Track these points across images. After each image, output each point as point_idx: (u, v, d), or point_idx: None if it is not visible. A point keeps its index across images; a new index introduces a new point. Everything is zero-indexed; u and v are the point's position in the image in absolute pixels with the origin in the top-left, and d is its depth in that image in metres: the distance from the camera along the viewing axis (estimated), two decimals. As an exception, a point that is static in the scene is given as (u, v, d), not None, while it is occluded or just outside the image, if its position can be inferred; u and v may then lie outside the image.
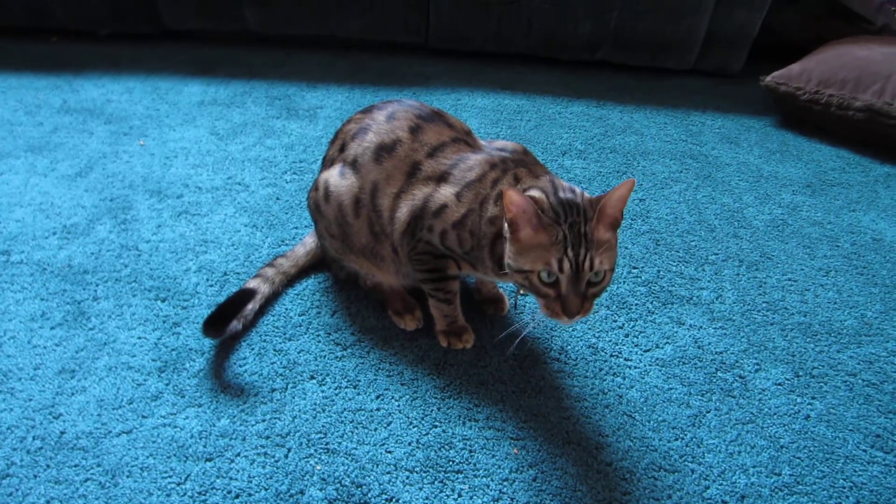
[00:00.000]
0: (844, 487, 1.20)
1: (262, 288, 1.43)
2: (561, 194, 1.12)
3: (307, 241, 1.55)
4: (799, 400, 1.36)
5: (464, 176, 1.24)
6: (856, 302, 1.61)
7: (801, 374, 1.42)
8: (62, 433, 1.18)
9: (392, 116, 1.31)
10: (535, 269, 1.09)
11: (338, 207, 1.33)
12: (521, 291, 1.28)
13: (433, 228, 1.25)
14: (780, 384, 1.39)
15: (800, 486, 1.20)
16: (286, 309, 1.45)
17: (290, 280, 1.51)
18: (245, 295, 1.39)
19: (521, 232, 1.09)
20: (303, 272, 1.54)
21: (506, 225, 1.12)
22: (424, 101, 2.30)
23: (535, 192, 1.13)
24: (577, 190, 1.15)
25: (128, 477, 1.13)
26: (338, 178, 1.33)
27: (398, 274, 1.40)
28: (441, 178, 1.25)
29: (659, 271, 1.65)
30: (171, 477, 1.14)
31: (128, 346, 1.35)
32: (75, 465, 1.14)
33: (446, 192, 1.23)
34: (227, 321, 1.34)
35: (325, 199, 1.35)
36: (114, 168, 1.83)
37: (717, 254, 1.72)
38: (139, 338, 1.37)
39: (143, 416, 1.23)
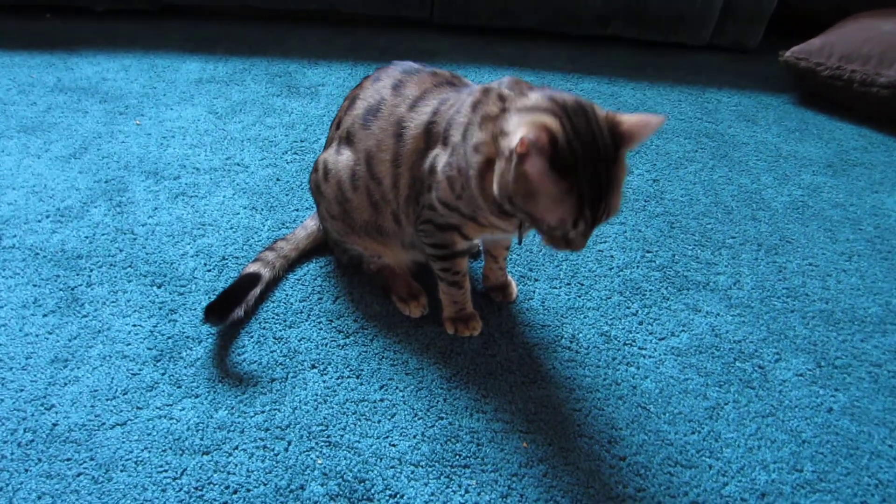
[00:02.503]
0: (870, 485, 1.15)
1: (263, 272, 1.38)
2: (576, 122, 0.96)
3: (308, 224, 1.49)
4: (821, 392, 1.31)
5: (445, 116, 1.14)
6: (880, 288, 1.55)
7: (823, 364, 1.36)
8: (54, 425, 1.14)
9: (377, 79, 1.26)
10: (543, 219, 0.99)
11: (336, 185, 1.28)
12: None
13: (432, 187, 1.16)
14: (801, 375, 1.33)
15: (823, 484, 1.15)
16: (287, 295, 1.40)
17: (292, 264, 1.46)
18: (248, 280, 1.33)
19: (528, 164, 0.94)
20: (304, 256, 1.48)
21: (504, 149, 0.99)
22: (430, 79, 2.23)
23: (544, 118, 0.96)
24: (587, 105, 0.99)
25: (122, 471, 1.09)
26: (334, 156, 1.29)
27: (403, 246, 1.33)
28: (427, 130, 1.16)
29: (674, 255, 1.59)
30: (166, 471, 1.09)
31: (122, 334, 1.30)
32: (67, 459, 1.09)
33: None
34: (230, 309, 1.29)
35: (325, 179, 1.30)
36: (109, 148, 1.77)
37: (734, 237, 1.66)
38: (134, 325, 1.32)
39: (138, 408, 1.18)
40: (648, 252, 1.59)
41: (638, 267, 1.55)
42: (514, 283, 1.46)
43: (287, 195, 1.66)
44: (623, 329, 1.39)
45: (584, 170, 0.94)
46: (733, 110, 2.24)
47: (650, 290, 1.49)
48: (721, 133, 2.10)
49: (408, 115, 1.19)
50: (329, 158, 1.30)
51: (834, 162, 2.01)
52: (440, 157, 1.14)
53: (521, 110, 1.01)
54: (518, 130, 0.96)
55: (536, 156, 0.92)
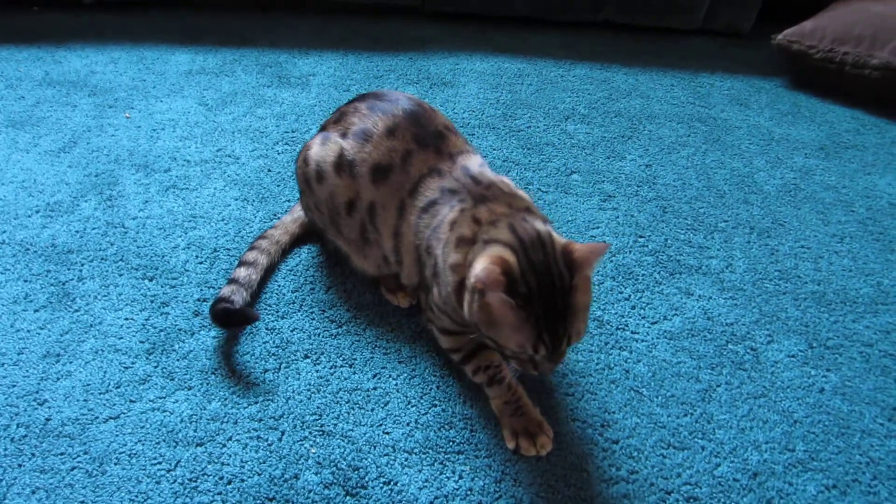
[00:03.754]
0: (861, 463, 1.16)
1: (260, 259, 1.38)
2: (532, 255, 1.01)
3: (296, 210, 1.49)
4: (813, 372, 1.31)
5: (431, 224, 1.17)
6: (872, 269, 1.55)
7: (815, 345, 1.36)
8: (47, 420, 1.14)
9: (391, 132, 1.24)
10: (506, 346, 1.03)
11: (330, 197, 1.28)
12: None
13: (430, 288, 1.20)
14: (793, 356, 1.34)
15: (814, 462, 1.16)
16: (279, 286, 1.40)
17: (286, 250, 1.45)
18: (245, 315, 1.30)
19: (487, 297, 1.00)
20: (297, 241, 1.48)
21: (469, 279, 1.03)
22: (421, 67, 2.23)
23: (502, 252, 1.02)
24: (545, 235, 1.04)
25: (116, 464, 1.09)
26: (332, 170, 1.26)
27: (379, 268, 1.34)
28: (417, 232, 1.20)
29: (666, 240, 1.59)
30: (160, 463, 1.10)
31: (114, 328, 1.29)
32: (61, 453, 1.09)
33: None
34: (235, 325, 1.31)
35: (318, 181, 1.28)
36: (99, 142, 1.77)
37: (726, 221, 1.66)
38: (126, 319, 1.31)
39: (131, 401, 1.18)
40: (641, 237, 1.59)
41: (630, 252, 1.55)
42: (548, 429, 1.16)
43: (278, 186, 1.65)
44: (615, 314, 1.39)
45: (539, 299, 0.99)
46: (726, 94, 2.23)
47: (642, 275, 1.49)
48: (713, 117, 2.10)
49: (407, 200, 1.21)
50: (325, 163, 1.27)
51: (826, 144, 2.00)
52: (427, 267, 1.18)
53: (487, 242, 1.05)
54: (478, 262, 1.01)
55: (492, 290, 0.97)
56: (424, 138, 1.23)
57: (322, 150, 1.28)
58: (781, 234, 1.63)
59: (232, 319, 1.27)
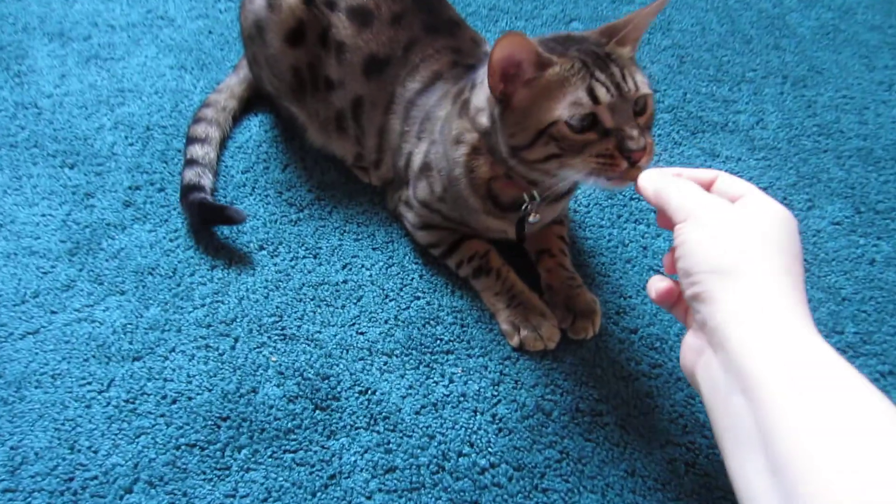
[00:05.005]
0: (921, 342, 0.98)
1: (212, 133, 1.16)
2: (549, 34, 0.83)
3: (241, 68, 1.24)
4: (861, 241, 1.11)
5: (425, 105, 0.99)
6: (924, 118, 1.32)
7: (862, 209, 1.16)
8: (-49, 338, 0.94)
9: (397, 18, 1.01)
10: (555, 119, 0.75)
11: (294, 60, 1.06)
12: (534, 214, 0.92)
13: (408, 183, 1.02)
14: (837, 223, 1.14)
15: (867, 346, 0.98)
16: (226, 166, 1.17)
17: (236, 117, 1.22)
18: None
19: (515, 96, 0.78)
20: (247, 107, 1.24)
21: (480, 122, 0.86)
22: None
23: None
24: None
25: (36, 388, 0.90)
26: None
27: (346, 156, 1.15)
28: (406, 112, 1.01)
29: (685, 94, 1.34)
30: (90, 383, 0.91)
31: (29, 227, 1.08)
32: (-31, 377, 0.91)
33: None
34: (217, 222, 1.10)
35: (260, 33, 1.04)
36: (2, 9, 1.48)
37: (755, 69, 1.41)
38: (43, 215, 1.09)
39: (53, 312, 0.98)
40: (655, 91, 1.34)
41: (643, 110, 1.31)
42: (591, 298, 0.97)
43: (222, 50, 1.39)
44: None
45: (569, 49, 0.78)
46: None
47: (659, 135, 1.26)
48: (732, -47, 1.79)
49: (399, 90, 1.01)
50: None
51: (865, -22, 1.72)
52: (416, 155, 0.97)
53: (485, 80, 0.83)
54: (483, 90, 0.83)
55: (514, 55, 0.75)
56: (436, 26, 1.01)
57: None
58: (819, 83, 1.39)
59: (212, 216, 1.06)
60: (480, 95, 0.86)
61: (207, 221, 1.07)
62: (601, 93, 0.73)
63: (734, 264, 0.53)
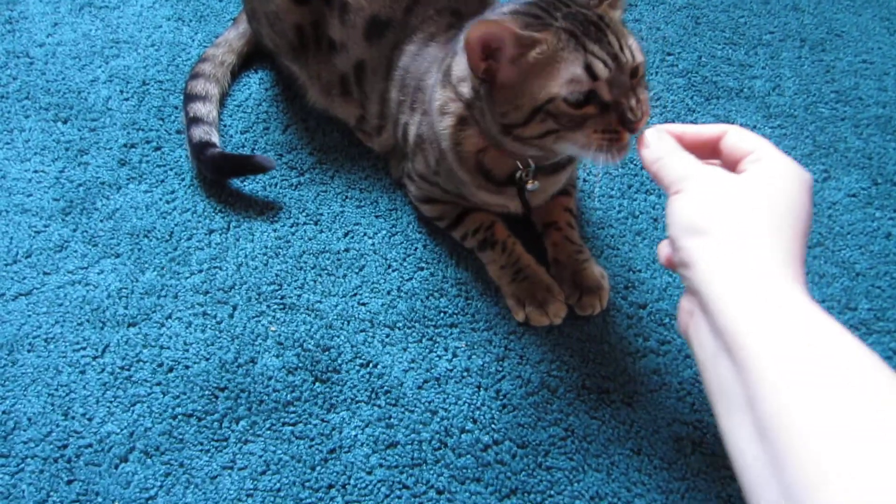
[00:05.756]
0: (935, 321, 0.96)
1: (211, 90, 1.11)
2: (520, 4, 0.76)
3: (240, 20, 1.19)
4: (878, 214, 1.08)
5: (416, 72, 0.93)
6: (947, 87, 1.28)
7: (880, 181, 1.13)
8: (-59, 299, 0.92)
9: None
10: (553, 96, 0.71)
11: (286, 5, 1.00)
12: (532, 181, 0.88)
13: (407, 156, 0.98)
14: (854, 195, 1.10)
15: (881, 323, 0.96)
16: (224, 126, 1.12)
17: (234, 73, 1.17)
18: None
19: (500, 74, 0.74)
20: (247, 62, 1.19)
21: (463, 91, 0.81)
22: None
23: (488, 14, 0.78)
24: None
25: (29, 351, 0.88)
26: None
27: (349, 119, 1.10)
28: (402, 81, 0.96)
29: (700, 57, 1.29)
30: (84, 349, 0.89)
31: (21, 183, 1.04)
32: (-40, 340, 0.88)
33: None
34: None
35: None
36: (-8, -50, 1.41)
37: (772, 32, 1.36)
38: (36, 171, 1.06)
39: (46, 273, 0.95)
40: (669, 55, 1.30)
41: (657, 73, 1.26)
42: (599, 273, 0.95)
43: (220, 1, 1.32)
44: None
45: (553, 17, 0.72)
46: None
47: (672, 101, 1.21)
48: None
49: (396, 55, 0.96)
50: None
51: (890, -64, 1.65)
52: (410, 126, 0.92)
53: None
54: (460, 50, 0.78)
55: (493, 34, 0.70)
56: None
57: None
58: (839, 47, 1.34)
59: (236, 167, 1.04)
60: (461, 64, 0.80)
61: (229, 174, 1.04)
62: (599, 68, 0.70)
63: (709, 223, 0.52)
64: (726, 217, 0.51)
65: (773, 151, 0.56)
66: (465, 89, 0.81)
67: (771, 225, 0.50)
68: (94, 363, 0.88)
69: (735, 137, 0.59)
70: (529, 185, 0.87)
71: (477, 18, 0.75)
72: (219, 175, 1.04)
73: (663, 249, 0.63)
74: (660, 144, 0.60)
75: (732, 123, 1.15)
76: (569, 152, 0.78)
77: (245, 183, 1.05)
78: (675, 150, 0.60)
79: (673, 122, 1.15)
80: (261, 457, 0.82)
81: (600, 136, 0.72)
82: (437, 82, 0.87)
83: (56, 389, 0.86)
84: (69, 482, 0.79)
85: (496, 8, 0.85)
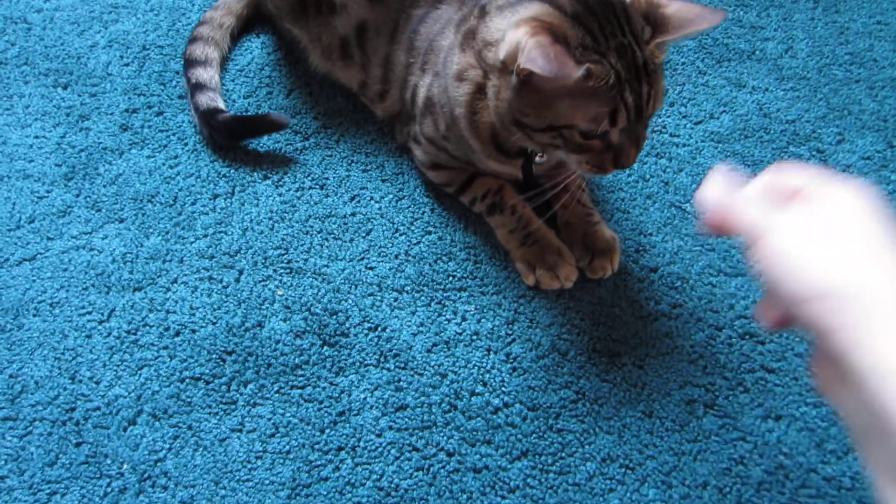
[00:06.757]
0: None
1: (211, 54, 1.09)
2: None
3: None
4: (893, 177, 1.07)
5: (428, 33, 0.91)
6: (963, 48, 1.25)
7: (895, 143, 1.11)
8: (-56, 265, 0.91)
9: None
10: (572, 124, 0.73)
11: None
12: (540, 154, 0.88)
13: (415, 118, 0.95)
14: (868, 158, 1.09)
15: (894, 286, 0.94)
16: (227, 90, 1.10)
17: (234, 35, 1.15)
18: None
19: (538, 80, 0.71)
20: (247, 25, 1.17)
21: (493, 63, 0.76)
22: None
23: (534, 7, 0.72)
24: None
25: (35, 316, 0.88)
26: None
27: (351, 84, 1.08)
28: (409, 43, 0.94)
29: (711, 19, 1.27)
30: (90, 313, 0.88)
31: (22, 149, 1.03)
32: (-36, 305, 0.88)
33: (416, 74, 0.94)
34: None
35: None
36: (-13, -87, 1.38)
37: (785, -7, 1.33)
38: (37, 137, 1.04)
39: (49, 238, 0.94)
40: (679, 17, 1.27)
41: (667, 36, 1.24)
42: (610, 235, 0.94)
43: (221, -36, 1.30)
44: (650, 113, 1.12)
45: (607, 44, 0.70)
46: None
47: (682, 64, 1.19)
48: None
49: (402, 17, 0.94)
50: None
51: None
52: (420, 88, 0.92)
53: (503, 7, 0.76)
54: (510, 34, 0.71)
55: (553, 68, 0.66)
56: None
57: None
58: (853, 8, 1.31)
59: (251, 128, 1.03)
60: (492, 26, 0.77)
61: (244, 136, 1.03)
62: (621, 118, 0.72)
63: (831, 281, 0.44)
64: (845, 269, 0.44)
65: (822, 182, 0.49)
66: (492, 55, 0.76)
67: (888, 265, 0.44)
68: (100, 327, 0.87)
69: (780, 179, 0.52)
70: (538, 158, 0.87)
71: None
72: (233, 138, 1.02)
73: (767, 312, 0.52)
74: (722, 192, 0.53)
75: (744, 86, 1.14)
76: (560, 158, 0.82)
77: (249, 147, 1.04)
78: (747, 196, 0.52)
79: (684, 86, 1.14)
80: (269, 419, 0.81)
81: (590, 167, 0.77)
82: (454, 45, 0.84)
83: (62, 353, 0.85)
84: (77, 444, 0.79)
85: None
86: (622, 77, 0.70)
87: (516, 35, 0.69)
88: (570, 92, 0.71)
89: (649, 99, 0.72)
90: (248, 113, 1.08)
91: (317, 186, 1.01)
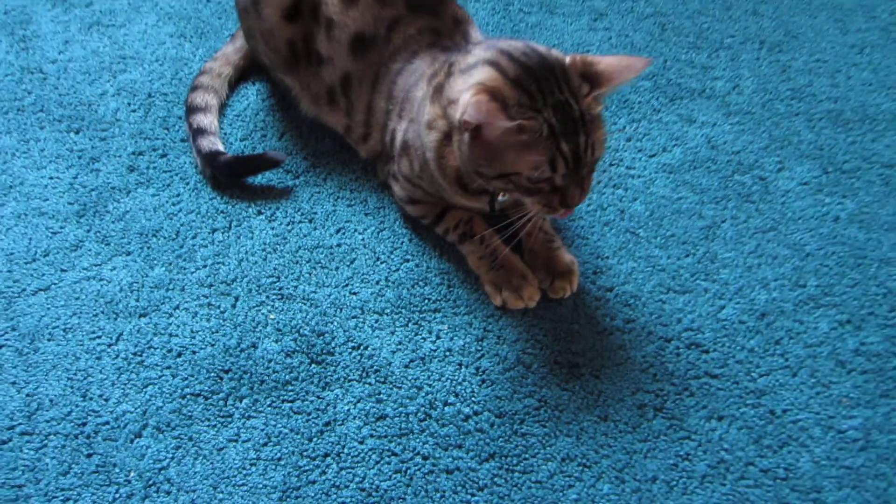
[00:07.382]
0: (878, 295, 1.05)
1: (210, 101, 1.20)
2: (525, 61, 0.86)
3: (237, 36, 1.28)
4: (827, 200, 1.17)
5: (405, 84, 1.03)
6: (894, 82, 1.37)
7: (829, 169, 1.22)
8: (-32, 296, 1.01)
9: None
10: (518, 172, 0.86)
11: (279, 23, 1.09)
12: (501, 195, 0.99)
13: (394, 159, 1.06)
14: (805, 183, 1.20)
15: (827, 298, 1.05)
16: (224, 134, 1.22)
17: (232, 84, 1.27)
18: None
19: (486, 132, 0.85)
20: (243, 75, 1.29)
21: (454, 120, 0.89)
22: None
23: (485, 74, 0.86)
24: (539, 46, 0.88)
25: (49, 340, 0.97)
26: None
27: (336, 127, 1.18)
28: (389, 93, 1.05)
29: (666, 61, 1.39)
30: (100, 337, 0.98)
31: (38, 189, 1.13)
32: (-13, 332, 0.97)
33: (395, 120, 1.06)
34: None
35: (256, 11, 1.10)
36: (3, -25, 1.51)
37: (733, 36, 1.45)
38: (51, 178, 1.15)
39: (63, 270, 1.04)
40: (636, 59, 1.39)
41: (625, 76, 1.36)
42: (569, 259, 1.03)
43: (220, 18, 1.42)
44: (609, 148, 1.22)
45: (545, 103, 0.84)
46: None
47: (639, 103, 1.31)
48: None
49: (382, 70, 1.05)
50: None
51: (847, -57, 1.75)
52: (398, 132, 1.02)
53: (464, 71, 0.90)
54: (462, 96, 0.86)
55: (489, 122, 0.82)
56: (419, 3, 1.05)
57: None
58: (794, 48, 1.43)
59: (250, 167, 1.14)
60: (454, 87, 0.90)
61: (244, 174, 1.14)
62: (560, 165, 0.84)
63: None
64: None
65: None
66: (455, 113, 0.88)
67: None
68: (109, 350, 0.97)
69: None
70: (500, 197, 0.98)
71: (478, 56, 0.89)
72: (234, 177, 1.13)
73: None
74: None
75: (694, 121, 1.25)
76: (517, 198, 0.93)
77: (244, 186, 1.14)
78: None
79: (640, 122, 1.25)
80: (263, 430, 0.90)
81: (541, 207, 0.89)
82: (426, 96, 0.96)
83: (75, 374, 0.94)
84: (88, 455, 0.88)
85: (490, 42, 0.94)
86: (556, 130, 0.82)
87: (464, 97, 0.83)
88: (511, 145, 0.84)
89: (587, 147, 0.84)
90: (245, 153, 1.19)
91: (306, 220, 1.11)
